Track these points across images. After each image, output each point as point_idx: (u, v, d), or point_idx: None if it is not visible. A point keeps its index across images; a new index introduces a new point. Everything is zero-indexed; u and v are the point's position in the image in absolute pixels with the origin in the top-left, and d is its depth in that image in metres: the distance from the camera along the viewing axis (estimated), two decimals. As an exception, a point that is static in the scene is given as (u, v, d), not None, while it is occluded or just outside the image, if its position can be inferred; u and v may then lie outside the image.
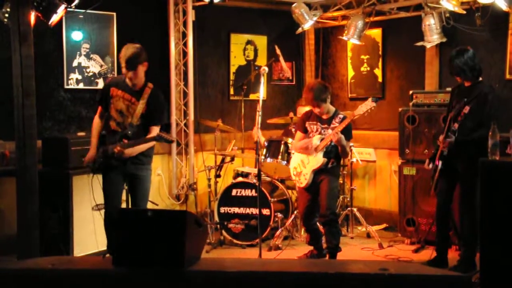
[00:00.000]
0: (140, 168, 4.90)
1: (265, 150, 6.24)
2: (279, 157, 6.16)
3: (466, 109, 4.91)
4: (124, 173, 4.88)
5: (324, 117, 5.43)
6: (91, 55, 6.29)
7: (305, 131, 5.54)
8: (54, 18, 5.22)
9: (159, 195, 6.83)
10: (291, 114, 6.69)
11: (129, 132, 4.77)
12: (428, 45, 6.30)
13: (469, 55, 5.03)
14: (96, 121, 5.01)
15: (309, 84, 5.60)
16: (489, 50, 6.25)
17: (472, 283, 4.01)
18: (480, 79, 5.09)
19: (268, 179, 6.49)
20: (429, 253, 5.49)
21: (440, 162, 5.06)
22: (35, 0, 4.84)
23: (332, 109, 5.46)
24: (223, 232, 6.26)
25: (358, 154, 6.89)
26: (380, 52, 7.33)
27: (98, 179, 4.96)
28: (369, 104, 5.20)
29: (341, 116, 5.39)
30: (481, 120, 4.89)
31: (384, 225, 7.09)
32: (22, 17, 4.43)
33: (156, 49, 6.85)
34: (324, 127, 5.40)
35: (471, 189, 5.01)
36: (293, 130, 6.34)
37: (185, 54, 6.93)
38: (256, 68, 7.21)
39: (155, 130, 4.76)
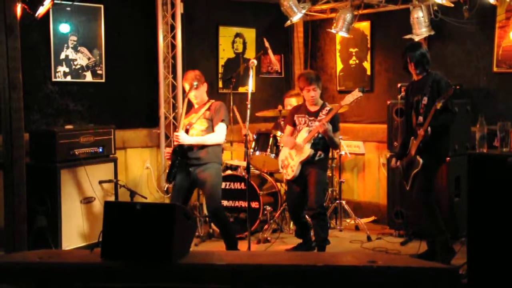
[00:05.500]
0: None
1: (254, 143, 6.24)
2: (268, 150, 6.15)
3: (425, 100, 4.99)
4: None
5: (312, 109, 5.46)
6: (79, 48, 6.24)
7: (294, 124, 5.56)
8: (41, 10, 5.18)
9: (147, 189, 6.82)
10: (280, 107, 6.69)
11: (188, 127, 5.29)
12: (416, 38, 6.31)
13: (421, 49, 5.12)
14: None
15: (302, 71, 5.93)
16: (476, 42, 6.28)
17: (459, 275, 4.04)
18: (429, 71, 5.17)
19: (257, 172, 6.50)
20: (417, 245, 5.52)
21: (419, 158, 5.07)
22: (22, -8, 4.80)
23: (320, 101, 5.52)
24: (212, 225, 6.26)
25: (347, 147, 6.91)
26: (369, 45, 7.34)
27: (85, 171, 4.96)
28: (356, 94, 5.24)
29: (328, 108, 5.43)
30: (442, 107, 4.92)
31: (372, 218, 7.12)
32: (8, 9, 4.40)
33: (144, 42, 6.83)
34: (312, 119, 5.43)
35: (429, 181, 5.09)
36: (282, 123, 6.35)
37: (173, 46, 6.90)
38: (245, 61, 7.21)
39: (217, 128, 5.26)
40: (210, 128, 5.27)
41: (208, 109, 5.30)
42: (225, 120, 5.27)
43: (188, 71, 5.42)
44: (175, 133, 5.22)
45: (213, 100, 5.42)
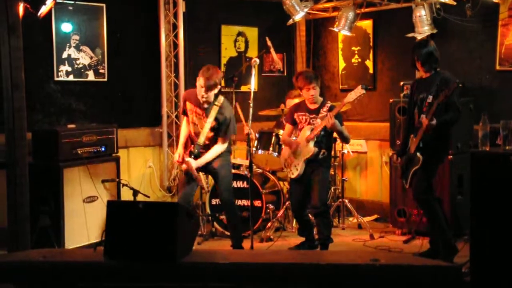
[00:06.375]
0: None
1: (256, 142, 6.25)
2: (271, 148, 6.16)
3: (430, 98, 4.96)
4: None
5: (312, 107, 5.45)
6: (81, 47, 6.25)
7: (294, 123, 5.55)
8: (43, 10, 5.18)
9: (150, 187, 6.83)
10: (282, 106, 6.69)
11: (196, 151, 5.24)
12: (418, 37, 6.30)
13: (429, 48, 5.06)
14: (184, 127, 5.46)
15: (300, 71, 5.83)
16: (479, 41, 6.27)
17: (462, 273, 4.04)
18: (438, 70, 5.12)
19: (259, 170, 6.50)
20: (419, 244, 5.52)
21: (420, 155, 5.04)
22: (24, -9, 4.80)
23: (320, 99, 5.50)
24: (215, 223, 6.26)
25: (350, 145, 6.90)
26: (371, 44, 7.34)
27: (88, 170, 4.96)
28: (358, 92, 5.23)
29: (328, 105, 5.42)
30: (446, 106, 4.91)
31: (375, 216, 7.11)
32: (10, 8, 4.39)
33: (147, 41, 6.83)
34: (313, 117, 5.42)
35: (429, 179, 5.07)
36: (284, 121, 6.34)
37: (175, 45, 6.90)
38: (247, 59, 7.21)
39: (221, 142, 5.26)
40: (215, 138, 5.27)
41: (216, 119, 5.17)
42: (229, 135, 5.30)
43: (211, 68, 5.14)
44: (185, 166, 5.21)
45: (222, 99, 5.25)
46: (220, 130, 5.23)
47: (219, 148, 5.27)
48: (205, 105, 5.21)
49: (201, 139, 5.22)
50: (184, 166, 5.26)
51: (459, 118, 5.04)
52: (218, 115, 5.19)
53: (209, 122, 5.18)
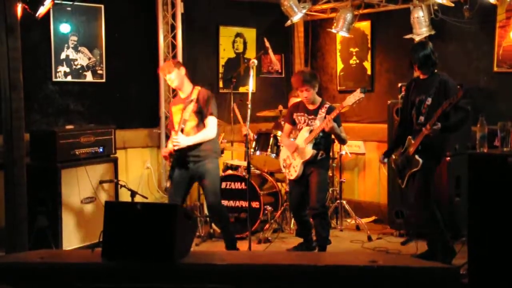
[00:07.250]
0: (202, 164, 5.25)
1: (254, 143, 6.25)
2: (269, 150, 6.17)
3: (429, 101, 4.94)
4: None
5: (311, 107, 5.45)
6: (79, 48, 6.25)
7: (293, 123, 5.55)
8: (42, 10, 5.18)
9: (148, 188, 6.82)
10: (280, 107, 6.69)
11: (183, 126, 5.09)
12: (416, 38, 6.31)
13: (425, 51, 5.01)
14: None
15: (298, 70, 5.74)
16: (477, 42, 6.27)
17: (460, 274, 4.04)
18: (436, 71, 5.10)
19: (257, 172, 6.50)
20: (417, 246, 5.52)
21: (418, 157, 5.03)
22: (22, -8, 4.80)
23: (319, 99, 5.48)
24: (213, 225, 6.26)
25: (348, 146, 6.90)
26: (369, 45, 7.34)
27: (86, 171, 4.95)
28: (357, 95, 5.21)
29: (327, 105, 5.41)
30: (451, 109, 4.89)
31: (373, 218, 7.12)
32: (8, 9, 4.40)
33: (145, 42, 6.82)
34: (311, 117, 5.41)
35: (428, 182, 5.06)
36: (282, 123, 6.35)
37: (174, 46, 6.90)
38: (246, 61, 7.21)
39: (209, 122, 5.15)
40: (201, 123, 5.17)
41: (196, 100, 5.15)
42: (214, 113, 5.18)
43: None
44: (174, 137, 5.10)
45: (199, 87, 5.27)
46: (203, 112, 5.14)
47: (207, 132, 5.15)
48: (187, 96, 5.19)
49: (186, 114, 5.10)
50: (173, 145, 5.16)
51: (469, 118, 5.02)
52: (199, 95, 5.15)
53: (191, 106, 5.11)
